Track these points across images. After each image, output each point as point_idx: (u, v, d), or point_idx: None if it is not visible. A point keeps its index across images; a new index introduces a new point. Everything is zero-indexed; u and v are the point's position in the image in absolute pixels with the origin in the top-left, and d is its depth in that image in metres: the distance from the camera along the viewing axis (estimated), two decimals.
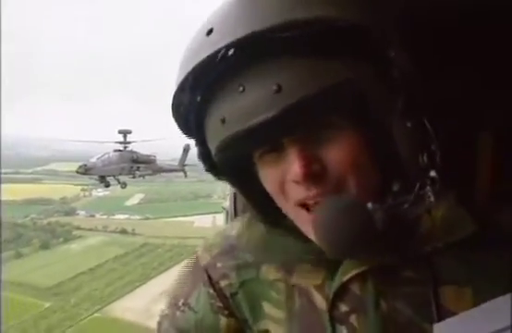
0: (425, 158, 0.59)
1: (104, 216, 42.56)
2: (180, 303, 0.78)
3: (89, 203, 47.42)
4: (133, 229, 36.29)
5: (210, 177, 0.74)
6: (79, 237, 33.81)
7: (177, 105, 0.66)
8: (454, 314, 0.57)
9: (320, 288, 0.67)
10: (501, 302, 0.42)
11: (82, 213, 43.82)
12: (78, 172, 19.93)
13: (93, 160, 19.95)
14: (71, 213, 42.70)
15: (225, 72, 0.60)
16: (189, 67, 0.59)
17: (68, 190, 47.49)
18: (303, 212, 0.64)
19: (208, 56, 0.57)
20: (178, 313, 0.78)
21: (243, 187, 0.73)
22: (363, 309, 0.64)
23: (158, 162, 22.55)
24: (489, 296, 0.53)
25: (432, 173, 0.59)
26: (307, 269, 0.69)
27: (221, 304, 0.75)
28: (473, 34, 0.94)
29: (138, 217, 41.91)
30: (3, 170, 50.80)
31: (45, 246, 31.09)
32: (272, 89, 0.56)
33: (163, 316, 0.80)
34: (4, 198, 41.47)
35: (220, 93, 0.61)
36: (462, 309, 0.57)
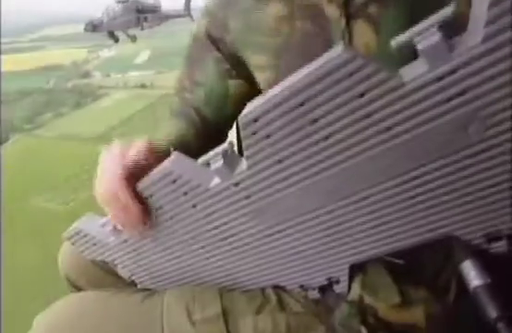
0: None
1: (119, 75, 43.82)
2: (187, 85, 0.74)
3: (99, 64, 47.22)
4: (151, 83, 38.34)
5: None
6: (105, 94, 36.30)
7: None
8: None
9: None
10: None
11: (97, 74, 44.83)
12: (86, 30, 19.80)
13: (99, 15, 19.64)
14: (87, 75, 44.17)
15: None
16: None
17: (75, 54, 47.11)
18: None
19: None
20: (187, 94, 0.74)
21: None
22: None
23: (163, 9, 21.88)
24: None
25: None
26: None
27: (228, 66, 0.71)
28: None
29: (151, 72, 43.19)
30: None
31: (79, 105, 33.69)
32: None
33: (172, 102, 0.76)
34: (12, 68, 42.97)
35: None
36: None
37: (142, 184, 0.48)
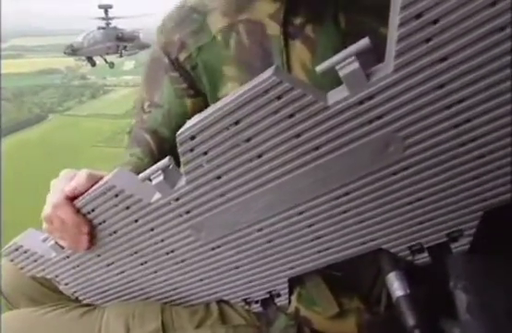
0: None
1: (114, 78, 50.17)
2: (146, 106, 0.75)
3: (91, 70, 49.94)
4: None
5: None
6: (112, 90, 45.67)
7: None
8: None
9: (274, 15, 0.60)
10: None
11: (93, 77, 49.61)
12: (65, 53, 19.90)
13: (79, 40, 19.76)
14: (84, 78, 49.69)
15: None
16: None
17: (64, 62, 50.24)
18: None
19: None
20: (145, 116, 0.75)
21: None
22: (319, 19, 0.59)
23: (142, 37, 22.23)
24: None
25: None
26: (261, 3, 0.62)
27: (185, 85, 0.71)
28: None
29: (140, 77, 49.80)
30: None
31: (94, 97, 44.18)
32: None
33: (131, 126, 0.77)
34: (8, 71, 49.34)
35: None
36: None
37: (84, 199, 0.48)
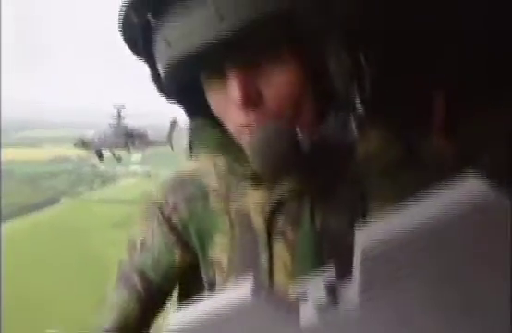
0: (355, 91, 0.60)
1: (123, 168, 55.14)
2: (138, 246, 0.78)
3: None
4: (155, 173, 50.68)
5: None
6: (120, 178, 50.02)
7: (125, 25, 0.65)
8: None
9: (259, 209, 0.68)
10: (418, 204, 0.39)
11: (102, 167, 54.09)
12: (76, 146, 20.96)
13: (90, 135, 20.98)
14: (94, 166, 54.18)
15: None
16: None
17: (75, 151, 54.49)
18: (243, 134, 0.65)
19: None
20: (136, 256, 0.78)
21: (191, 108, 0.73)
22: (299, 224, 0.66)
23: (149, 135, 23.52)
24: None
25: (359, 105, 0.60)
26: (248, 192, 0.70)
27: (175, 241, 0.77)
28: None
29: (147, 168, 55.67)
30: None
31: (104, 183, 48.07)
32: (215, 15, 0.55)
33: (121, 260, 0.80)
34: (24, 159, 54.74)
35: (167, 15, 0.60)
36: None
37: None
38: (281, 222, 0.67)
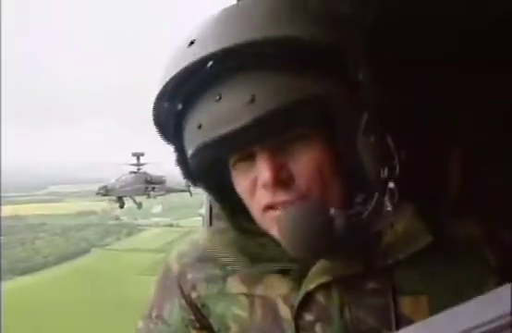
0: (386, 171, 0.61)
1: (145, 220, 56.11)
2: (154, 316, 0.78)
3: (122, 211, 54.37)
4: (176, 223, 53.74)
5: None
6: (144, 229, 52.14)
7: (157, 113, 0.68)
8: (412, 321, 0.60)
9: (286, 298, 0.67)
10: (456, 309, 0.39)
11: (125, 218, 55.67)
12: (98, 193, 21.94)
13: (112, 181, 22.05)
14: (118, 218, 56.31)
15: (204, 82, 0.62)
16: (170, 76, 0.62)
17: (98, 205, 55.10)
18: (270, 215, 0.65)
19: (186, 67, 0.60)
20: (152, 325, 0.78)
21: (217, 193, 0.75)
22: (328, 318, 0.64)
23: (168, 182, 24.20)
24: (442, 303, 0.50)
25: (391, 185, 0.60)
26: (274, 280, 0.69)
27: (193, 317, 0.75)
28: (440, 54, 1.02)
29: (169, 219, 56.91)
30: (14, 194, 67.27)
31: (129, 234, 49.96)
32: (245, 99, 0.58)
33: (138, 329, 0.80)
34: (55, 212, 57.37)
35: (198, 102, 0.63)
36: (419, 316, 0.60)
37: None
38: (309, 318, 0.66)
